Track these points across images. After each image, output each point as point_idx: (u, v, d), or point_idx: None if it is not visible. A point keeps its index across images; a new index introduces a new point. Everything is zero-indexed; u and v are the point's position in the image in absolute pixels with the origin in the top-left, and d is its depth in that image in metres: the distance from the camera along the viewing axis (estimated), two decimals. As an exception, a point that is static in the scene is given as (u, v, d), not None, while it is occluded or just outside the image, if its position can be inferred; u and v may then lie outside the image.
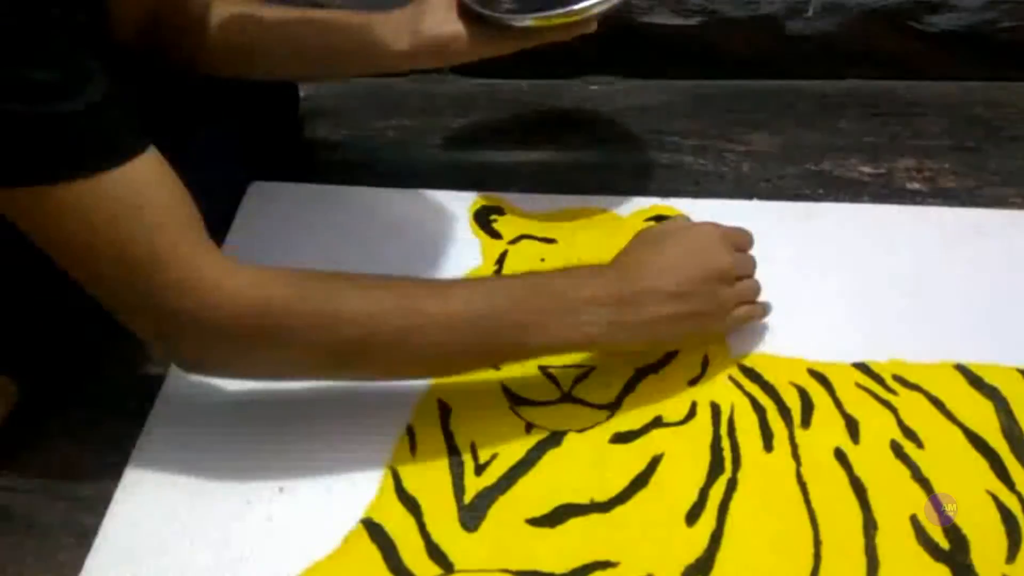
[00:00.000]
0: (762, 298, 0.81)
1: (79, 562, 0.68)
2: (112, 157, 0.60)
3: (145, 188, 0.61)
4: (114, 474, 0.73)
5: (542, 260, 0.86)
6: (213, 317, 0.62)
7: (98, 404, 0.79)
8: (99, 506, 0.71)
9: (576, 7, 0.79)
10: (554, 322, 0.68)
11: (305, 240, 0.90)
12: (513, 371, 0.77)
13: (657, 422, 0.74)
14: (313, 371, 0.71)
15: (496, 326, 0.68)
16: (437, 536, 0.68)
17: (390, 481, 0.71)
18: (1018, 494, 0.68)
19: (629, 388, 0.76)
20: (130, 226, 0.61)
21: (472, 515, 0.69)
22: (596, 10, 0.80)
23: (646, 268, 0.71)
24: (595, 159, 0.99)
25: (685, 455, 0.72)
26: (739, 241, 0.77)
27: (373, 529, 0.68)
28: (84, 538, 0.69)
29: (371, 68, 0.88)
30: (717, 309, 0.73)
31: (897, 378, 0.76)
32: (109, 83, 0.60)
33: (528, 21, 0.81)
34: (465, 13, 0.82)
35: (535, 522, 0.68)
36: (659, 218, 0.90)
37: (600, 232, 0.88)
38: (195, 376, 0.77)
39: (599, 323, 0.69)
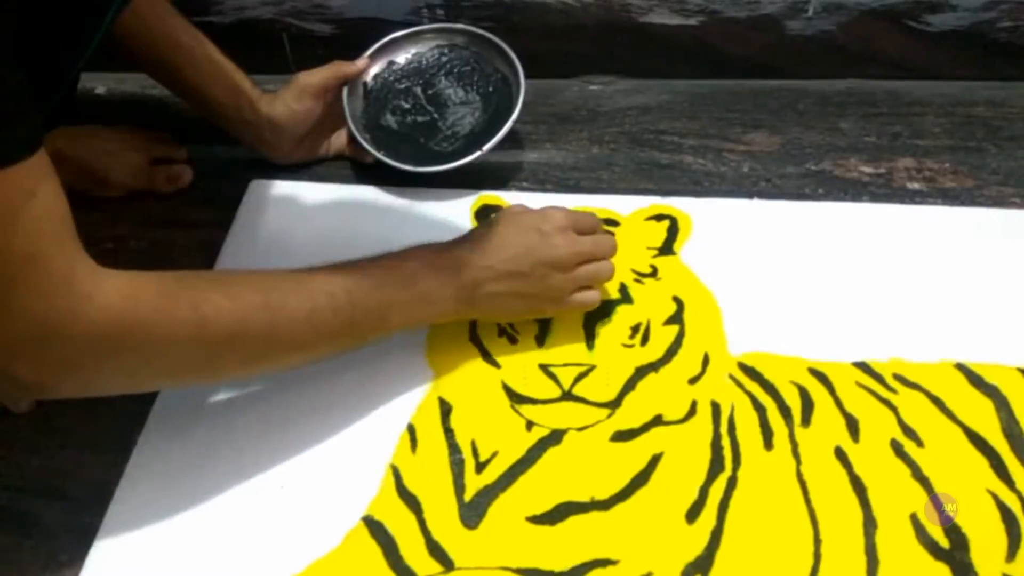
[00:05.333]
0: (763, 298, 0.81)
1: (79, 562, 0.68)
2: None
3: (23, 196, 0.55)
4: (114, 474, 0.73)
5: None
6: (82, 324, 0.58)
7: (98, 404, 0.78)
8: (99, 506, 0.71)
9: (449, 166, 0.92)
10: (410, 307, 0.73)
11: (305, 239, 0.91)
12: (514, 369, 0.77)
13: (657, 420, 0.74)
14: (180, 375, 0.68)
15: (357, 315, 0.71)
16: (438, 534, 0.68)
17: (391, 479, 0.71)
18: (1018, 493, 0.69)
19: (630, 387, 0.76)
20: (4, 232, 0.55)
21: (473, 513, 0.69)
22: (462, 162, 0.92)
23: (481, 248, 0.75)
24: (595, 159, 0.99)
25: (685, 453, 0.72)
26: (583, 226, 0.79)
27: (374, 527, 0.69)
28: (84, 538, 0.69)
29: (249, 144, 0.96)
30: (550, 293, 0.76)
31: (897, 377, 0.76)
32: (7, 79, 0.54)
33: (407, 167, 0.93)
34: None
35: (535, 520, 0.69)
36: (659, 217, 0.90)
37: (600, 231, 0.87)
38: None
39: (446, 300, 0.74)
